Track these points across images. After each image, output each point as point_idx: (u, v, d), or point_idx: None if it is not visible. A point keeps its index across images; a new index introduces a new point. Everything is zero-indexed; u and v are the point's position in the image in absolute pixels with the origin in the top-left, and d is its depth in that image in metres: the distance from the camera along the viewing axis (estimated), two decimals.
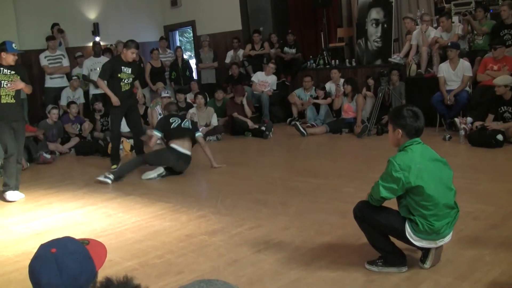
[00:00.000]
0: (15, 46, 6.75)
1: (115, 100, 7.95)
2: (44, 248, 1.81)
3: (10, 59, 6.69)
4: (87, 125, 10.60)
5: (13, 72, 6.73)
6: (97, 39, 13.55)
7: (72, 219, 5.75)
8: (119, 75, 7.97)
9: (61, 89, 11.28)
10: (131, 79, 8.09)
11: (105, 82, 8.04)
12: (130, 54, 7.94)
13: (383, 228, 3.67)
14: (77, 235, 4.74)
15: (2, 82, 6.67)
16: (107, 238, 4.88)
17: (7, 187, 6.79)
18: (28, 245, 4.91)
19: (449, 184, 3.64)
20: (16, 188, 6.84)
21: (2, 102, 6.64)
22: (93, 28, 13.83)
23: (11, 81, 6.68)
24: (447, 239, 3.66)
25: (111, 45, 13.06)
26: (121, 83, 7.98)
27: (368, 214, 3.70)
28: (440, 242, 3.62)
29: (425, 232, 3.52)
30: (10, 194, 6.75)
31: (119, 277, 1.35)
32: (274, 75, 12.04)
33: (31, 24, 12.55)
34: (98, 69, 11.38)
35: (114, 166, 8.15)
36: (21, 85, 6.72)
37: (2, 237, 5.31)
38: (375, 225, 3.67)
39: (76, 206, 6.25)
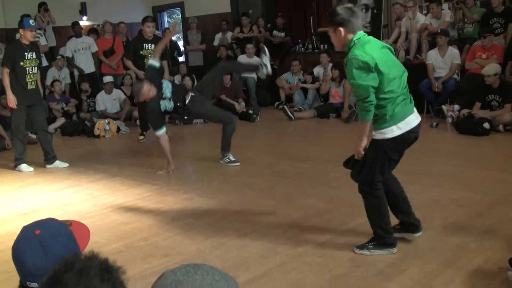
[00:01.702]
0: (32, 23, 6.99)
1: (142, 76, 8.11)
2: (28, 230, 1.78)
3: (28, 35, 6.88)
4: (72, 102, 10.53)
5: (34, 56, 7.03)
6: (84, 18, 13.41)
7: (57, 200, 5.72)
8: (141, 52, 8.14)
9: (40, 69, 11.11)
10: None
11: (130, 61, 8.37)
12: (146, 29, 8.06)
13: (376, 167, 3.64)
14: (62, 216, 4.71)
15: (28, 68, 6.95)
16: (92, 220, 4.86)
17: (19, 160, 7.21)
18: (12, 225, 4.88)
19: (402, 67, 3.70)
20: (54, 159, 7.37)
21: (28, 88, 7.00)
22: (80, 8, 13.66)
23: (34, 66, 7.03)
24: (415, 116, 3.65)
25: (98, 25, 12.89)
26: (145, 60, 8.05)
27: (363, 174, 3.72)
28: (412, 119, 3.61)
29: (390, 119, 3.53)
30: (23, 166, 7.19)
31: (85, 252, 1.34)
32: (257, 57, 11.97)
33: (17, 2, 12.36)
34: (81, 49, 11.30)
35: (142, 137, 8.72)
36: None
37: None
38: (373, 173, 3.64)
39: (61, 187, 6.21)
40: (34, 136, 9.15)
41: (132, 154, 8.07)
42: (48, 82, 11.00)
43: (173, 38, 13.78)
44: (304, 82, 10.82)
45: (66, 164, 7.33)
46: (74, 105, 10.60)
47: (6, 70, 6.87)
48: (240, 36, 12.61)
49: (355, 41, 3.53)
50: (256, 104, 10.93)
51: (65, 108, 10.37)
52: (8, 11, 12.36)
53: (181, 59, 13.73)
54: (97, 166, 7.14)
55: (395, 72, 3.55)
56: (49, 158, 7.35)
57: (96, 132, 9.46)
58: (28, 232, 1.77)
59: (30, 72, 6.97)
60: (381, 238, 3.74)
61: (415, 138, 3.67)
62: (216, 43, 12.97)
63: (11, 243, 1.79)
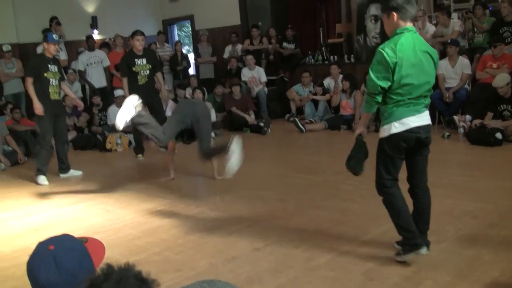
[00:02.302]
0: (56, 37, 7.37)
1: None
2: (42, 246, 1.80)
3: (51, 49, 7.30)
4: (83, 117, 10.59)
5: (56, 70, 7.38)
6: (95, 32, 13.51)
7: (70, 215, 5.73)
8: (133, 68, 8.08)
9: None
10: (148, 71, 8.17)
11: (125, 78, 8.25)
12: (136, 43, 8.04)
13: (380, 166, 3.76)
14: (75, 230, 4.73)
15: (51, 80, 7.29)
16: (105, 234, 4.87)
17: (40, 171, 7.36)
18: (26, 240, 4.90)
19: (431, 77, 3.68)
20: (68, 169, 7.72)
21: (51, 98, 7.31)
22: (91, 22, 13.77)
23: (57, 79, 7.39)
24: (417, 118, 3.63)
25: (109, 39, 13.00)
26: (138, 77, 8.10)
27: (376, 177, 3.80)
28: (411, 120, 3.61)
29: (388, 116, 3.61)
30: (41, 178, 7.33)
31: (120, 263, 1.35)
32: (259, 67, 11.99)
33: (28, 17, 12.50)
34: (93, 63, 11.38)
35: (140, 155, 8.59)
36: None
37: (0, 232, 5.29)
38: (380, 172, 3.75)
39: (74, 201, 6.23)
40: None
41: (144, 167, 8.09)
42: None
43: (184, 51, 13.85)
44: (315, 94, 10.82)
45: (80, 172, 7.69)
46: (86, 120, 10.65)
47: (30, 80, 7.23)
48: (250, 48, 12.63)
49: (398, 33, 3.60)
50: (266, 117, 10.93)
51: (77, 124, 10.42)
52: (20, 26, 12.50)
53: (190, 71, 13.76)
54: (110, 180, 7.16)
55: (414, 80, 3.55)
56: (64, 168, 7.65)
57: (108, 146, 9.50)
58: (42, 248, 1.79)
59: (53, 84, 7.32)
60: (405, 239, 3.72)
61: (417, 139, 3.65)
62: (226, 55, 13.01)
63: (25, 258, 1.81)
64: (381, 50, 3.55)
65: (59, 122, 7.54)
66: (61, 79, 7.54)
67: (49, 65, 7.28)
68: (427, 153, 3.82)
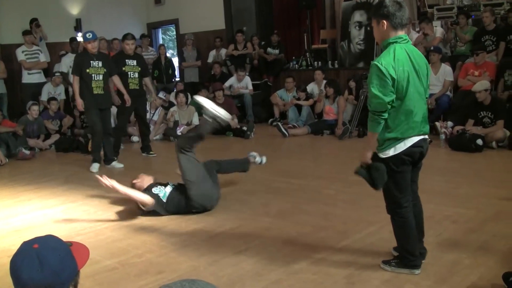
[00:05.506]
0: (89, 36, 7.67)
1: (128, 97, 8.16)
2: (26, 244, 1.80)
3: (88, 47, 7.67)
4: (67, 120, 10.55)
5: (100, 65, 7.70)
6: (79, 35, 13.46)
7: (51, 216, 5.69)
8: (123, 68, 8.19)
9: (38, 85, 11.19)
10: (137, 73, 8.28)
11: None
12: (126, 47, 8.21)
13: (390, 184, 3.60)
14: (57, 232, 4.69)
15: (93, 75, 7.66)
16: (86, 236, 4.85)
17: (94, 160, 7.90)
18: (7, 242, 4.86)
19: (426, 92, 3.61)
20: (110, 160, 8.09)
21: (94, 93, 7.66)
22: (75, 24, 13.71)
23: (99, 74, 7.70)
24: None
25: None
26: (129, 80, 8.21)
27: (384, 195, 3.71)
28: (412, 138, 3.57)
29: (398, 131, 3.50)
30: (94, 166, 7.85)
31: None
32: (247, 76, 12.06)
33: (12, 18, 12.45)
34: None
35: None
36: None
37: None
38: (391, 191, 3.62)
39: (56, 203, 6.19)
40: (28, 152, 9.14)
41: (126, 170, 8.04)
42: (43, 97, 11.03)
43: (168, 55, 13.83)
44: (298, 99, 10.87)
45: (121, 165, 8.01)
46: (70, 124, 10.63)
47: (76, 78, 7.71)
48: (235, 53, 12.67)
49: (390, 44, 3.45)
50: (250, 121, 10.96)
51: (62, 130, 10.38)
52: (3, 28, 12.42)
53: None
54: (92, 183, 7.08)
55: (412, 95, 3.46)
56: (108, 159, 8.07)
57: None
58: (26, 246, 1.79)
59: (96, 79, 7.68)
60: (404, 259, 3.69)
61: (420, 153, 3.63)
62: (210, 60, 13.03)
63: (6, 260, 1.81)
64: (379, 64, 3.35)
65: (104, 116, 7.87)
66: (109, 73, 7.78)
67: (92, 61, 7.62)
68: (421, 164, 3.79)
